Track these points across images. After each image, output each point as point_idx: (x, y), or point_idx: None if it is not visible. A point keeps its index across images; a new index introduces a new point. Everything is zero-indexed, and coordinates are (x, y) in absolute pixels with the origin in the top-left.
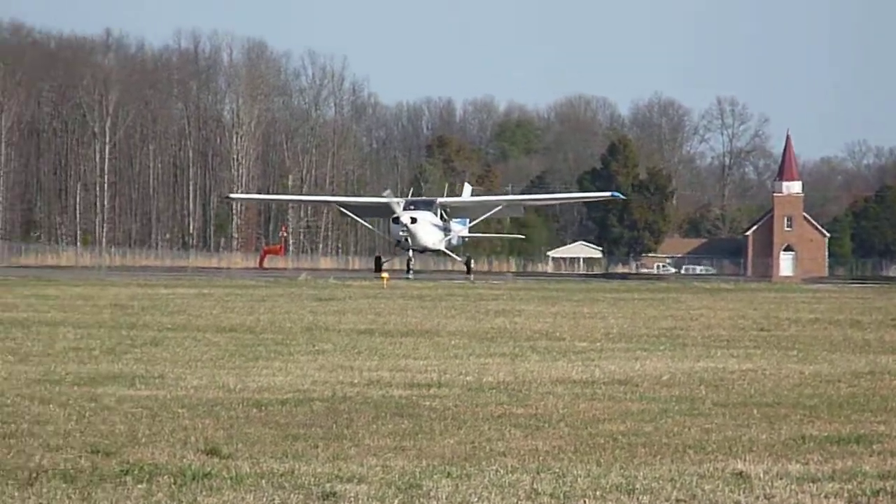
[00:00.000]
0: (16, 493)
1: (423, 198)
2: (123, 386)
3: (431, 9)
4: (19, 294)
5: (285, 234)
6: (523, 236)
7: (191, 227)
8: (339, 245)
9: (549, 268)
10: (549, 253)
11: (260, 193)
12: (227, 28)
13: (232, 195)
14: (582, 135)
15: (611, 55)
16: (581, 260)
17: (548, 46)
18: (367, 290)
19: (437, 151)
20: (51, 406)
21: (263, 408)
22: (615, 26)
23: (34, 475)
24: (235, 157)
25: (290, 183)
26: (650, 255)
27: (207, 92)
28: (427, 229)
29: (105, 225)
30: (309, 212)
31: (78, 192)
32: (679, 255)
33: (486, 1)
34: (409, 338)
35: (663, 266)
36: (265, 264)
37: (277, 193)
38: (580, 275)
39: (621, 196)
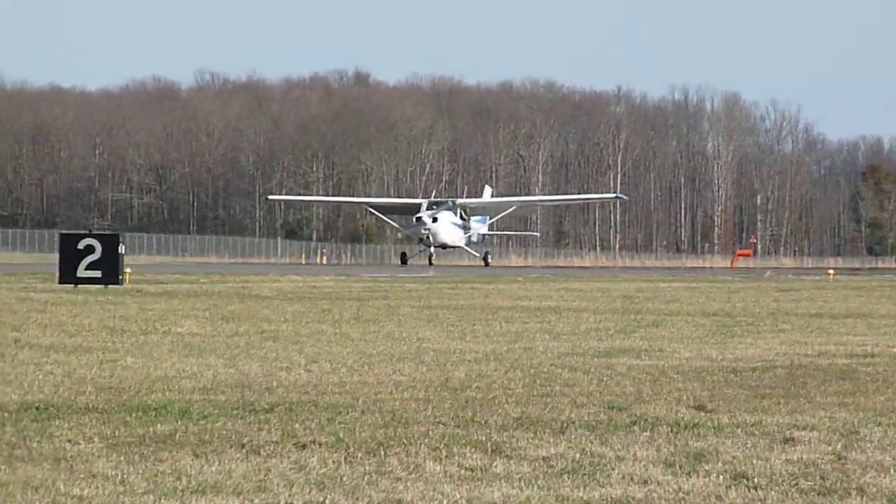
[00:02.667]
0: (550, 439)
1: (444, 198)
2: (631, 357)
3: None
4: (553, 288)
5: (755, 241)
6: (537, 233)
7: (682, 235)
8: (796, 248)
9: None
10: None
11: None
12: (709, 82)
13: (271, 196)
14: None
15: None
16: None
17: None
18: (816, 284)
19: (870, 176)
20: (577, 373)
21: (738, 373)
22: None
23: (564, 425)
24: (716, 181)
25: (758, 201)
26: None
27: (695, 133)
28: (447, 228)
29: (617, 234)
30: (772, 222)
31: (596, 209)
32: None
33: None
34: (850, 319)
35: None
36: (737, 264)
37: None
38: None
39: (625, 198)
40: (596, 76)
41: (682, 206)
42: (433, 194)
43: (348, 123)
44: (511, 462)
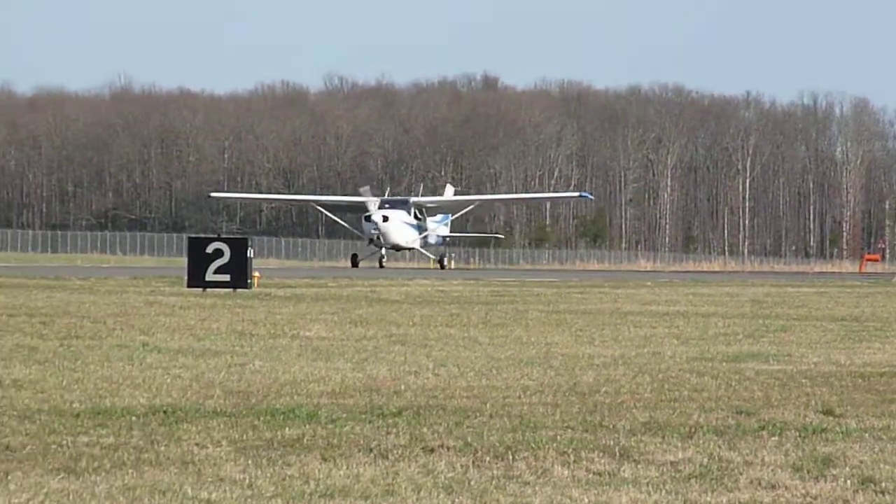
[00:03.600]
0: (678, 444)
1: (398, 197)
2: (760, 362)
3: None
4: (681, 292)
5: (883, 246)
6: (502, 235)
7: (811, 240)
8: None
9: None
10: None
11: (240, 192)
12: (839, 87)
13: (213, 194)
14: None
15: None
16: None
17: None
18: None
19: None
20: (705, 378)
21: (866, 378)
22: None
23: (692, 430)
24: (845, 186)
25: (886, 206)
26: None
27: (824, 137)
28: (399, 228)
29: (746, 239)
30: None
31: (725, 214)
32: None
33: None
34: None
35: None
36: (865, 269)
37: (295, 194)
38: None
39: (590, 196)
40: (725, 81)
41: (811, 210)
42: (386, 192)
43: (477, 128)
44: (639, 467)
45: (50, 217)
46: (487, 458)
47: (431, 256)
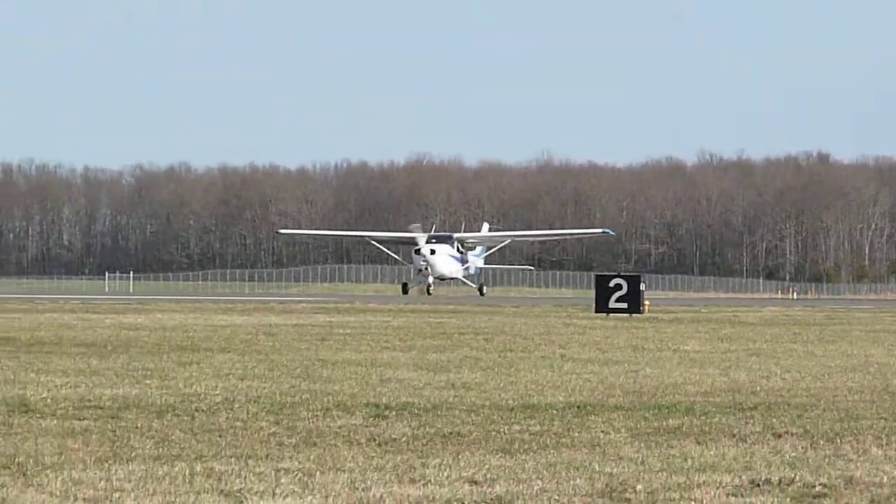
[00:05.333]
0: None
1: (443, 233)
2: None
3: None
4: None
5: None
6: (532, 267)
7: None
8: None
9: None
10: None
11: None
12: None
13: (281, 230)
14: None
15: None
16: None
17: None
18: None
19: None
20: None
21: None
22: None
23: None
24: None
25: None
26: None
27: None
28: (445, 260)
29: None
30: None
31: None
32: None
33: None
34: None
35: None
36: None
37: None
38: None
39: (612, 233)
40: None
41: None
42: (433, 229)
43: (813, 192)
44: None
45: (489, 258)
46: (821, 442)
47: (472, 285)
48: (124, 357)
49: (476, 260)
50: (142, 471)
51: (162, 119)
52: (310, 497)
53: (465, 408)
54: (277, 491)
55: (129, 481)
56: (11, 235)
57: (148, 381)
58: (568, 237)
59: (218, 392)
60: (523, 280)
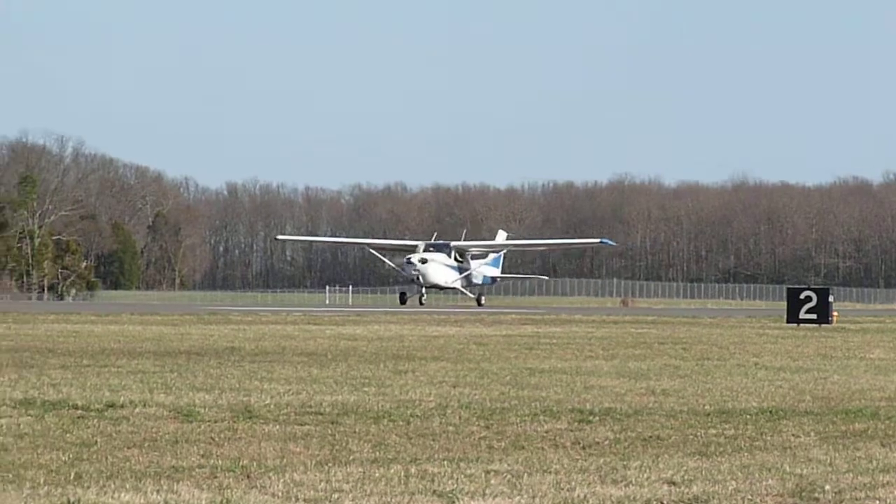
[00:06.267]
0: None
1: (440, 241)
2: None
3: None
4: None
5: None
6: (546, 277)
7: None
8: None
9: None
10: None
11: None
12: None
13: (279, 237)
14: None
15: None
16: None
17: None
18: None
19: None
20: None
21: None
22: None
23: None
24: None
25: None
26: None
27: None
28: (437, 269)
29: None
30: None
31: None
32: None
33: None
34: None
35: None
36: None
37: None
38: None
39: (610, 243)
40: None
41: None
42: (433, 237)
43: None
44: None
45: (689, 273)
46: None
47: (471, 295)
48: (343, 366)
49: (484, 269)
50: (359, 473)
51: (380, 141)
52: (518, 497)
53: (664, 413)
54: (487, 491)
55: (348, 483)
56: (237, 251)
57: (365, 389)
58: (565, 247)
59: (432, 398)
60: (718, 293)
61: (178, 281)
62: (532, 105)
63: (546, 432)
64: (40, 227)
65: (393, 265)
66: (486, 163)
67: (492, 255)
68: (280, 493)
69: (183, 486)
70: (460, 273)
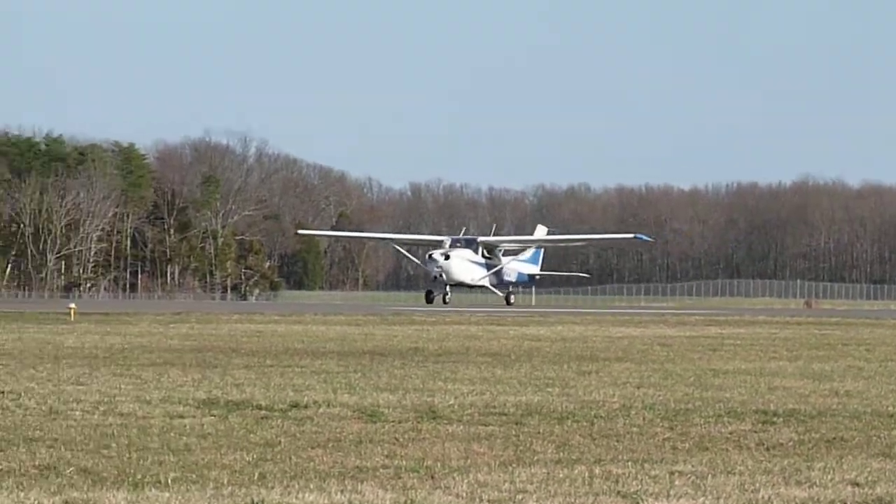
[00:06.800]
0: None
1: (467, 237)
2: None
3: None
4: None
5: None
6: (588, 275)
7: None
8: None
9: None
10: None
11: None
12: None
13: (301, 231)
14: None
15: None
16: None
17: None
18: None
19: None
20: None
21: None
22: None
23: None
24: None
25: None
26: None
27: None
28: (460, 265)
29: None
30: None
31: None
32: None
33: None
34: None
35: None
36: None
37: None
38: None
39: (646, 238)
40: None
41: None
42: (462, 232)
43: None
44: None
45: (872, 274)
46: None
47: (500, 293)
48: (527, 366)
49: (519, 265)
50: (543, 474)
51: (563, 142)
52: (702, 498)
53: (847, 414)
54: (672, 493)
55: (532, 483)
56: (420, 251)
57: (549, 389)
58: (601, 242)
59: (615, 399)
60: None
61: (361, 281)
62: (721, 107)
63: (730, 433)
64: (223, 227)
65: (419, 262)
66: (669, 164)
67: (529, 251)
68: (464, 494)
69: (367, 487)
70: (488, 270)
